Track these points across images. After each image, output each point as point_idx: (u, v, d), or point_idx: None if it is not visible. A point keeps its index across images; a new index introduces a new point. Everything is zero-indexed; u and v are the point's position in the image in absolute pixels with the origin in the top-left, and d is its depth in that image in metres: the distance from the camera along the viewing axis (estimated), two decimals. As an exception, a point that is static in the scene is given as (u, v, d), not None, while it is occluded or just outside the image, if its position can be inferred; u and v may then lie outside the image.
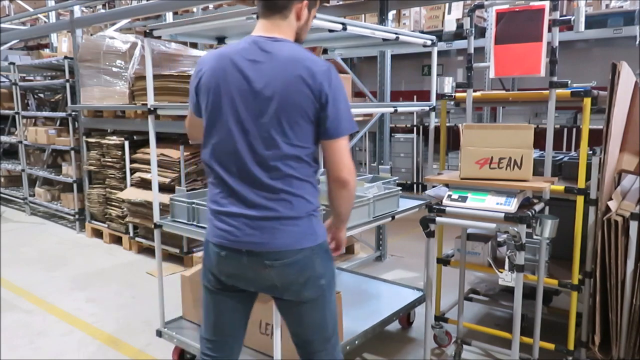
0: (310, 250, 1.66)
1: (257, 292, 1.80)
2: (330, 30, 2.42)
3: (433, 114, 3.26)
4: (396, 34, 2.84)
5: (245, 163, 1.62)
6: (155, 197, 2.81)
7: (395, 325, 3.26)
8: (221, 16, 2.24)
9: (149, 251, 4.85)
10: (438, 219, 2.52)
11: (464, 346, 2.89)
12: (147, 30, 2.55)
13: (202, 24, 2.39)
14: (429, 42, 3.15)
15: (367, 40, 3.08)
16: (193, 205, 2.61)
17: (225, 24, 2.29)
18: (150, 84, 2.65)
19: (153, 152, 2.76)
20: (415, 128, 7.60)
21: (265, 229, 1.63)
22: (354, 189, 1.69)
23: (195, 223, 2.60)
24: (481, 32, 6.27)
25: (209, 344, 1.83)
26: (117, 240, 5.22)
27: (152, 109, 2.65)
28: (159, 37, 2.65)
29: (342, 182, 1.65)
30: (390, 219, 2.80)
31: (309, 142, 1.63)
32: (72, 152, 5.77)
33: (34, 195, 6.63)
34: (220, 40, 2.93)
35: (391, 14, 4.52)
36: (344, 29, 2.41)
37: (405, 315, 3.22)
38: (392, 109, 3.07)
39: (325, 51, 3.53)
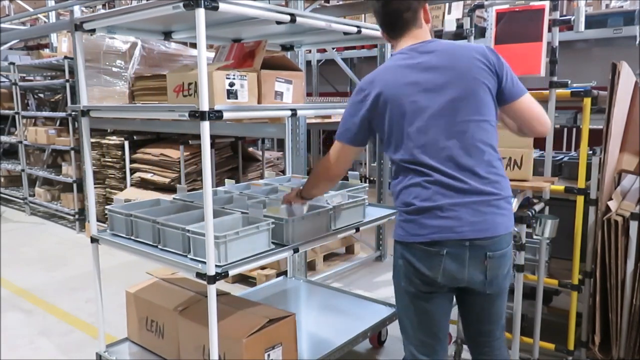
0: None
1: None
2: (278, 22, 2.12)
3: None
4: (357, 27, 2.52)
5: None
6: (92, 206, 2.44)
7: (365, 345, 3.03)
8: (154, 4, 1.90)
9: (149, 251, 4.85)
10: (438, 219, 2.52)
11: (464, 346, 2.89)
12: (77, 23, 2.26)
13: (139, 14, 2.00)
14: None
15: (333, 35, 2.77)
16: (131, 218, 2.29)
17: (161, 13, 1.89)
18: (82, 82, 2.40)
19: (87, 156, 2.47)
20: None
21: None
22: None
23: (133, 238, 2.30)
24: (481, 32, 6.22)
25: (423, 348, 1.83)
26: (117, 240, 5.22)
27: (84, 110, 2.38)
28: (92, 31, 2.30)
29: None
30: (354, 230, 2.50)
31: None
32: (72, 152, 5.77)
33: (34, 195, 6.63)
34: (167, 35, 2.67)
35: (391, 14, 4.51)
36: (293, 20, 2.12)
37: (376, 334, 2.99)
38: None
39: (291, 48, 3.19)
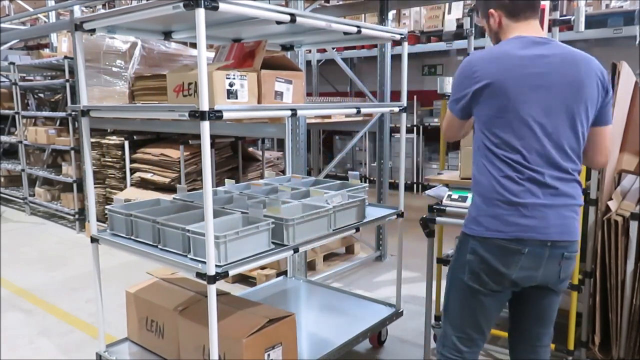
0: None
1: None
2: (278, 22, 2.11)
3: (404, 115, 2.91)
4: (357, 27, 2.50)
5: None
6: (92, 205, 2.43)
7: (365, 345, 3.02)
8: (154, 4, 1.89)
9: (149, 251, 4.85)
10: (438, 219, 2.52)
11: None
12: (77, 23, 2.26)
13: (139, 14, 1.99)
14: (398, 37, 2.77)
15: (333, 35, 2.75)
16: (131, 217, 2.30)
17: (161, 13, 1.88)
18: (82, 82, 2.39)
19: (87, 156, 2.46)
20: (415, 128, 7.59)
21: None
22: None
23: (133, 238, 2.30)
24: (481, 32, 6.25)
25: (467, 341, 1.85)
26: (117, 240, 5.22)
27: (84, 110, 2.36)
28: (92, 31, 2.28)
29: None
30: (354, 230, 2.52)
31: None
32: (72, 152, 5.77)
33: (34, 195, 6.63)
34: (167, 35, 2.65)
35: (391, 13, 4.52)
36: (293, 20, 2.10)
37: (376, 334, 2.99)
38: (354, 110, 2.71)
39: (291, 48, 3.19)
